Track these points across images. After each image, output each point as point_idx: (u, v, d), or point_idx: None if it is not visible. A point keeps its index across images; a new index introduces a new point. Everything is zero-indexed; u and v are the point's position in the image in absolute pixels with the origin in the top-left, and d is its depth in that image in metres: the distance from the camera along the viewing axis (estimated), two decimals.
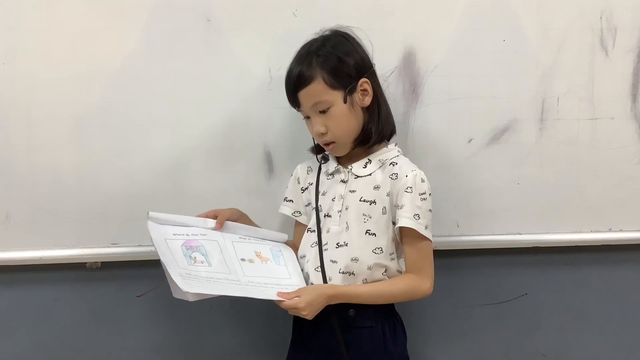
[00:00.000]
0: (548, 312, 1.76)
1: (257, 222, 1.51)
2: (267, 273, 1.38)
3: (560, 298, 1.76)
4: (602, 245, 1.72)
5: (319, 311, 1.32)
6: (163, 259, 1.28)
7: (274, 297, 1.31)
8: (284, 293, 1.32)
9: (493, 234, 1.67)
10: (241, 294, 1.30)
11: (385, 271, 1.39)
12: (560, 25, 1.62)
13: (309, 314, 1.31)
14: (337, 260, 1.39)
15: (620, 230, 1.71)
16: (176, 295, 1.26)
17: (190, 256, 1.32)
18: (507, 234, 1.67)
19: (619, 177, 1.68)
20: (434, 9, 1.58)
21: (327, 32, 1.41)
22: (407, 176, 1.37)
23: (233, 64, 1.55)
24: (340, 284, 1.37)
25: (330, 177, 1.45)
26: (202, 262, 1.33)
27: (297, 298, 1.30)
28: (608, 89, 1.65)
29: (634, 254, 1.76)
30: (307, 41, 1.40)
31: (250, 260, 1.39)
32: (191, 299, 1.24)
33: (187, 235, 1.37)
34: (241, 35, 1.54)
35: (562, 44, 1.63)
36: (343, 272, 1.38)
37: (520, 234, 1.68)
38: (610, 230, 1.71)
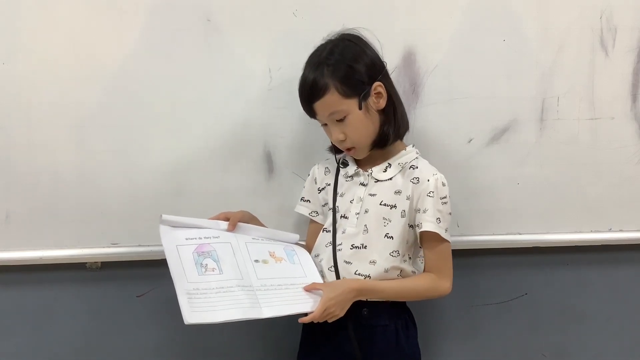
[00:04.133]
0: (548, 312, 1.76)
1: None
2: (282, 273, 1.38)
3: (560, 298, 1.76)
4: (602, 245, 1.72)
5: (349, 306, 1.32)
6: (172, 272, 1.28)
7: (286, 312, 1.30)
8: (307, 286, 1.33)
9: (493, 234, 1.67)
10: (249, 315, 1.27)
11: (400, 273, 1.40)
12: (560, 25, 1.62)
13: (339, 312, 1.31)
14: (352, 261, 1.39)
15: (620, 230, 1.71)
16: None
17: (201, 264, 1.32)
18: (507, 234, 1.68)
19: (619, 177, 1.68)
20: (434, 9, 1.58)
21: (334, 37, 1.40)
22: (429, 180, 1.38)
23: (233, 64, 1.55)
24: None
25: (349, 179, 1.45)
26: (213, 269, 1.32)
27: (321, 299, 1.29)
28: (608, 89, 1.65)
29: (634, 254, 1.76)
30: (316, 48, 1.39)
31: (264, 261, 1.39)
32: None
33: (200, 238, 1.36)
34: (241, 35, 1.54)
35: (562, 44, 1.63)
36: (359, 274, 1.38)
37: (520, 234, 1.68)
38: (610, 230, 1.71)
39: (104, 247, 1.56)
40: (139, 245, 1.54)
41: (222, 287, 1.30)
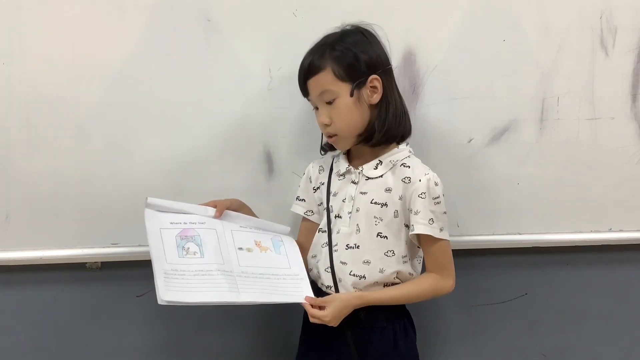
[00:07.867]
0: (548, 312, 1.76)
1: None
2: (265, 262, 1.37)
3: (560, 298, 1.76)
4: (602, 245, 1.72)
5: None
6: (152, 253, 1.27)
7: (264, 300, 1.30)
8: (310, 298, 1.33)
9: (493, 234, 1.67)
10: (226, 298, 1.26)
11: (397, 274, 1.38)
12: (560, 25, 1.62)
13: (334, 324, 1.31)
14: (347, 262, 1.38)
15: (620, 230, 1.71)
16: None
17: (183, 247, 1.31)
18: (507, 234, 1.68)
19: (619, 177, 1.68)
20: (434, 8, 1.58)
21: (347, 27, 1.40)
22: (420, 180, 1.36)
23: (233, 64, 1.55)
24: (352, 286, 1.37)
25: (341, 177, 1.44)
26: (194, 253, 1.31)
27: (324, 311, 1.30)
28: (608, 89, 1.65)
29: (634, 254, 1.76)
30: (328, 33, 1.40)
31: (249, 249, 1.38)
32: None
33: (185, 223, 1.35)
34: (241, 35, 1.54)
35: (562, 44, 1.63)
36: (354, 275, 1.37)
37: (520, 234, 1.68)
38: (610, 230, 1.71)
39: (104, 247, 1.56)
40: (139, 245, 1.54)
41: (202, 270, 1.29)
